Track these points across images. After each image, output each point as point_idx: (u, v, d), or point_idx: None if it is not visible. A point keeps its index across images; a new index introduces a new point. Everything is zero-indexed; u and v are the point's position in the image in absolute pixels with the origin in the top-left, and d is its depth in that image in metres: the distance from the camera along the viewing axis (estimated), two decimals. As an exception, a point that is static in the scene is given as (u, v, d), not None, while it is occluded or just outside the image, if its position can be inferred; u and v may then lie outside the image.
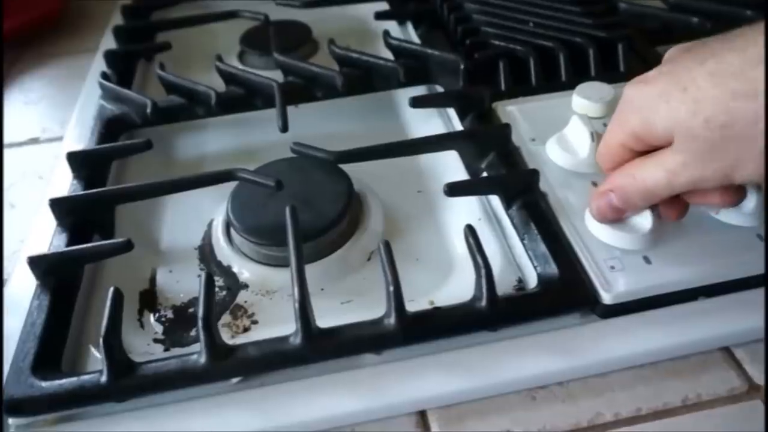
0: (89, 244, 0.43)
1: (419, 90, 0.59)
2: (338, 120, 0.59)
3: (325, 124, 0.57)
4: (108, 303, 0.36)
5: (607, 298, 0.37)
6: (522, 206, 0.43)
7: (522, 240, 0.42)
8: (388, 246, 0.38)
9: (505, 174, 0.45)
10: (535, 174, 0.43)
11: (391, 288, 0.35)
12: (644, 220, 0.38)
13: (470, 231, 0.38)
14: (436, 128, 0.55)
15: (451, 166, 0.51)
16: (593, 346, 0.36)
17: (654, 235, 0.38)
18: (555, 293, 0.38)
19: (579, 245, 0.39)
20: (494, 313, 0.36)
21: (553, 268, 0.39)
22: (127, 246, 0.41)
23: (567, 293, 0.37)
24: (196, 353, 0.36)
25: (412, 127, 0.59)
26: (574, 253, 0.39)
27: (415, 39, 0.66)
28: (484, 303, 0.36)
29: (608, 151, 0.37)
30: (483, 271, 0.36)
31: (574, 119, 0.45)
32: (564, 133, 0.46)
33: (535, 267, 0.40)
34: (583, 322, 0.38)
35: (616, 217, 0.38)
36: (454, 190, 0.42)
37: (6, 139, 0.61)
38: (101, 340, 0.34)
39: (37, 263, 0.41)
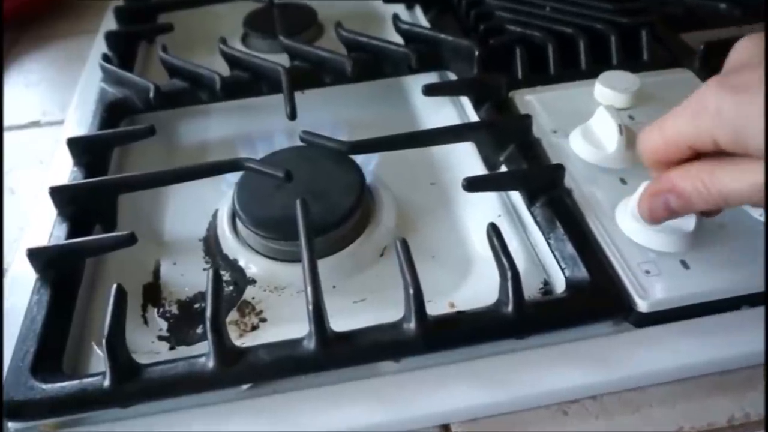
0: (91, 237, 0.41)
1: (430, 77, 0.56)
2: (345, 106, 0.56)
3: (332, 111, 0.55)
4: (110, 302, 0.34)
5: (642, 305, 0.35)
6: (546, 203, 0.41)
7: (547, 239, 0.40)
8: (405, 244, 0.36)
9: (529, 169, 0.42)
10: (560, 169, 0.41)
11: (411, 291, 0.33)
12: (686, 220, 0.36)
13: (494, 230, 0.36)
14: (449, 117, 0.53)
15: (465, 157, 0.49)
16: (628, 357, 0.34)
17: (693, 237, 0.36)
18: (586, 299, 0.36)
19: (610, 246, 0.37)
20: (522, 319, 0.34)
21: (582, 272, 0.37)
22: (131, 239, 0.39)
23: (599, 299, 0.35)
24: (204, 356, 0.34)
25: (423, 115, 0.56)
26: (604, 255, 0.37)
27: (425, 23, 0.64)
28: (510, 309, 0.34)
29: (667, 148, 0.33)
30: (509, 275, 0.34)
31: (601, 110, 0.43)
32: (589, 125, 0.44)
33: (562, 269, 0.38)
34: (616, 330, 0.36)
35: (668, 219, 0.35)
36: (474, 185, 0.40)
37: (6, 122, 0.59)
38: (104, 342, 0.33)
39: (36, 256, 0.38)
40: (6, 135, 0.57)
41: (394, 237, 0.44)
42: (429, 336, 0.34)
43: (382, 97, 0.58)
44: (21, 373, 0.34)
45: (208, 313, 0.33)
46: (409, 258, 0.35)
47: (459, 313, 0.36)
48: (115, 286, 0.35)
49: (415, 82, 0.58)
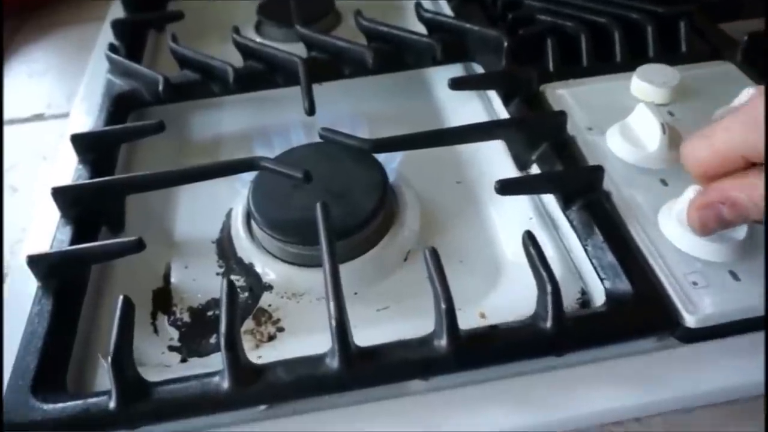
0: (96, 243, 0.38)
1: (454, 68, 0.54)
2: (364, 99, 0.54)
3: (350, 104, 0.53)
4: (117, 315, 0.32)
5: (690, 320, 0.32)
6: (583, 206, 0.38)
7: (584, 246, 0.37)
8: (435, 254, 0.33)
9: (566, 171, 0.40)
10: (599, 170, 0.38)
11: (444, 305, 0.31)
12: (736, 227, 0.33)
13: (530, 239, 0.33)
14: (476, 112, 0.50)
15: (494, 154, 0.46)
16: (675, 376, 0.32)
17: (743, 246, 0.33)
18: (629, 313, 0.33)
19: (653, 255, 0.35)
20: (561, 335, 0.32)
21: (625, 283, 0.34)
22: (139, 246, 0.36)
23: (643, 313, 0.33)
24: (218, 375, 0.31)
25: (447, 109, 0.53)
26: (648, 265, 0.34)
27: (449, 12, 0.61)
28: (549, 324, 0.32)
29: (718, 161, 0.32)
30: (549, 288, 0.31)
31: (641, 107, 0.40)
32: (627, 123, 0.41)
33: (602, 279, 0.35)
34: (661, 346, 0.33)
35: (720, 230, 0.33)
36: (507, 188, 0.38)
37: (9, 115, 0.56)
38: (109, 360, 0.30)
39: (38, 263, 0.36)
40: (8, 128, 0.55)
41: (419, 240, 0.43)
42: (461, 353, 0.32)
43: (403, 89, 0.55)
44: (21, 392, 0.32)
45: (223, 329, 0.30)
46: (440, 268, 0.32)
47: (493, 327, 0.33)
48: (121, 297, 0.32)
49: (438, 74, 0.55)
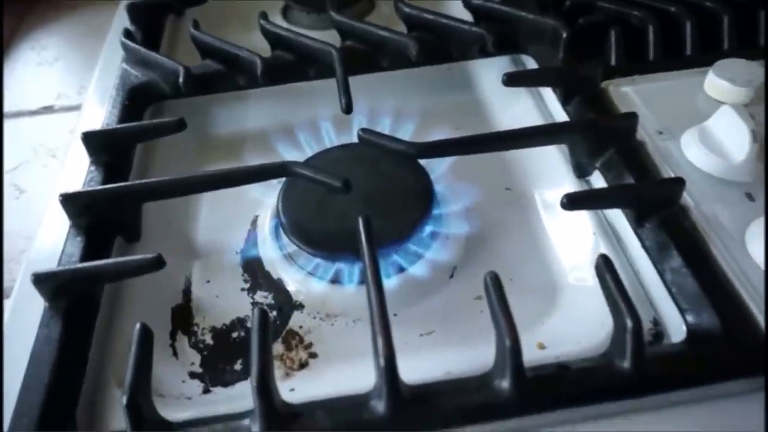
0: (110, 261, 0.34)
1: (501, 61, 0.49)
2: (402, 93, 0.49)
3: (388, 98, 0.48)
4: (133, 347, 0.28)
5: (789, 361, 0.28)
6: (659, 224, 0.33)
7: (660, 270, 0.32)
8: (497, 280, 0.29)
9: (643, 183, 0.35)
10: (680, 183, 0.33)
11: (508, 343, 0.26)
12: None
13: (607, 265, 0.29)
14: (527, 109, 0.46)
15: (547, 158, 0.42)
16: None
17: None
18: (719, 352, 0.29)
19: (742, 282, 0.30)
20: (641, 377, 0.27)
21: (711, 316, 0.29)
22: (157, 264, 0.32)
23: (734, 352, 0.28)
24: (249, 417, 0.27)
25: (495, 105, 0.49)
26: (737, 294, 0.30)
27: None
28: (627, 365, 0.27)
29: None
30: (630, 326, 0.27)
31: (726, 110, 0.36)
32: (707, 127, 0.37)
33: (682, 311, 0.31)
34: (750, 389, 0.29)
35: None
36: (575, 202, 0.33)
37: (17, 107, 0.52)
38: (125, 401, 0.26)
39: (45, 282, 0.32)
40: (15, 122, 0.51)
41: (465, 253, 0.38)
42: (527, 397, 0.27)
43: (443, 83, 0.51)
44: (25, 432, 0.28)
45: (255, 370, 0.26)
46: (503, 297, 0.28)
47: (561, 367, 0.29)
48: (138, 326, 0.28)
49: (483, 67, 0.51)
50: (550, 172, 0.41)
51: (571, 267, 0.37)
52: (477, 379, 0.28)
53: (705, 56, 0.42)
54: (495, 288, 0.28)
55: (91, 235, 0.36)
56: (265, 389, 0.26)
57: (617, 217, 0.36)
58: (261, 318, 0.28)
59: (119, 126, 0.43)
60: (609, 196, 0.35)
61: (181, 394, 0.33)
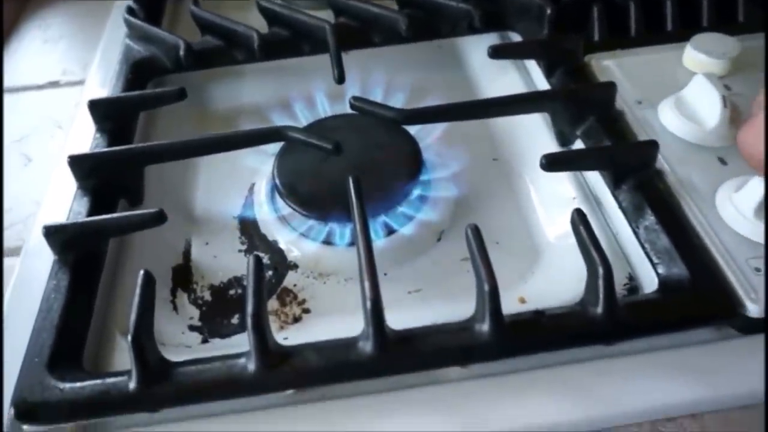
0: (115, 215, 0.36)
1: (489, 38, 0.50)
2: (394, 68, 0.50)
3: (380, 73, 0.49)
4: (137, 292, 0.29)
5: (753, 309, 0.29)
6: (635, 186, 0.35)
7: (635, 229, 0.34)
8: (477, 231, 0.30)
9: (618, 146, 0.37)
10: (654, 146, 0.35)
11: (487, 287, 0.28)
12: None
13: (580, 218, 0.31)
14: (513, 83, 0.47)
15: (532, 130, 0.43)
16: (735, 369, 0.29)
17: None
18: (686, 300, 0.30)
19: (712, 239, 0.32)
20: (613, 322, 0.29)
21: (681, 268, 0.31)
22: (160, 218, 0.34)
23: (701, 301, 0.30)
24: (244, 356, 0.29)
25: (482, 79, 0.51)
26: (706, 249, 0.32)
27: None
28: (600, 310, 0.29)
29: None
30: (601, 271, 0.29)
31: (699, 79, 0.37)
32: (682, 96, 0.38)
33: (654, 264, 0.32)
34: (718, 337, 0.31)
35: None
36: (554, 163, 0.35)
37: (23, 82, 0.54)
38: (130, 339, 0.28)
39: (54, 235, 0.34)
40: (22, 96, 0.52)
41: (452, 218, 0.40)
42: (505, 340, 0.29)
43: (432, 59, 0.53)
44: (37, 370, 0.30)
45: (249, 308, 0.28)
46: (483, 246, 0.30)
47: (539, 313, 0.31)
48: (142, 272, 0.30)
49: (471, 44, 0.52)
50: (535, 142, 0.43)
51: (553, 230, 0.39)
52: (458, 323, 0.30)
53: (685, 32, 0.43)
54: (475, 238, 0.30)
55: (96, 196, 0.38)
56: (260, 327, 0.28)
57: (597, 182, 0.38)
58: (256, 263, 0.30)
59: (123, 94, 0.44)
60: (586, 157, 0.36)
61: (180, 343, 0.35)
